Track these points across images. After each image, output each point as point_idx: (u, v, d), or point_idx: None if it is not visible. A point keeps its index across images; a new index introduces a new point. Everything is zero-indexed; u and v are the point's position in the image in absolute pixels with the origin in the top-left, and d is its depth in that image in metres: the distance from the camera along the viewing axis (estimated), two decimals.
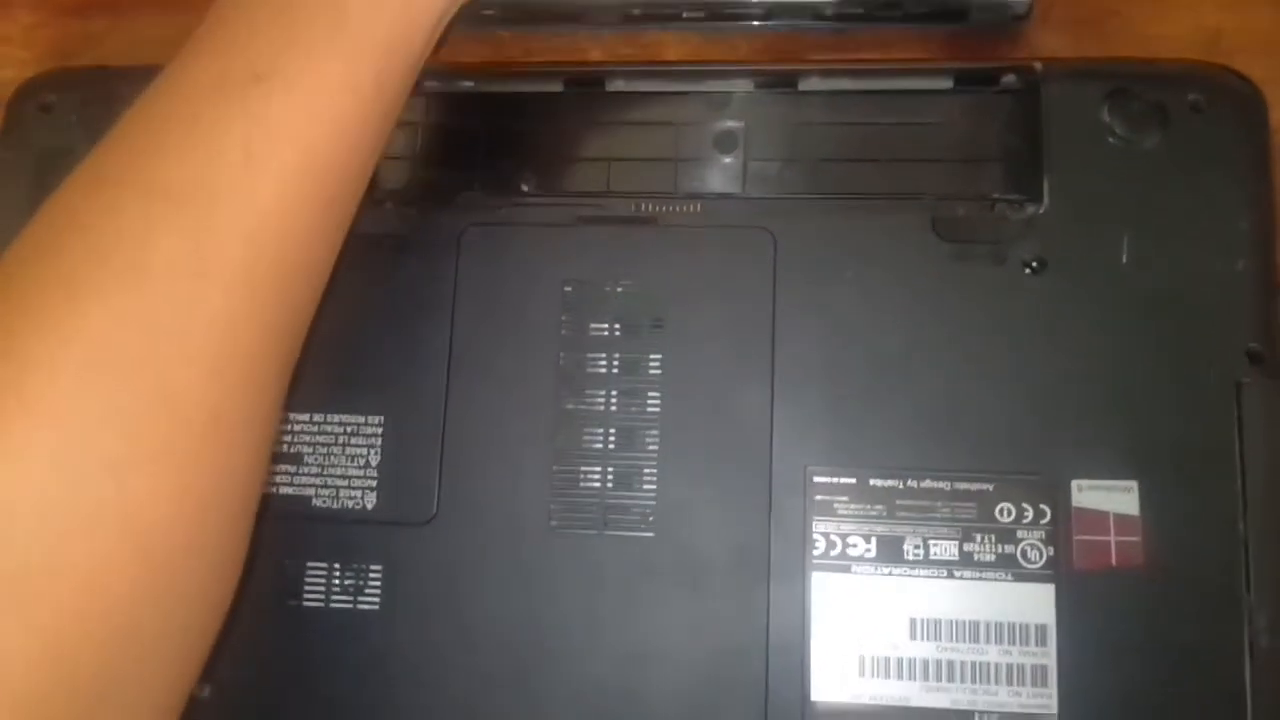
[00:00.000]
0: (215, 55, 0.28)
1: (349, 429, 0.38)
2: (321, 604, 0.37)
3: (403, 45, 0.29)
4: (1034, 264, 0.36)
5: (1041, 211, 0.37)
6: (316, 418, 0.38)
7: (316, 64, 0.27)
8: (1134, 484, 0.34)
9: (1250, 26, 0.41)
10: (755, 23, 0.43)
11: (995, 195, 0.38)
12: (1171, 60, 0.39)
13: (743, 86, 0.41)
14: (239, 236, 0.27)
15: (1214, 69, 0.38)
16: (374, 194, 0.40)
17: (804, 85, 0.40)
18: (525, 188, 0.41)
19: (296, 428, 0.38)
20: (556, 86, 0.42)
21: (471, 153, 0.42)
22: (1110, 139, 0.37)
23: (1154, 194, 0.36)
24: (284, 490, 0.38)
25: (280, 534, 0.37)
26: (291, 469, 0.38)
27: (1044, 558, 0.34)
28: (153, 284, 0.25)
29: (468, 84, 0.42)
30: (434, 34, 0.31)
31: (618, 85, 0.41)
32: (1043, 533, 0.34)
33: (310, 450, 0.38)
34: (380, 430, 0.38)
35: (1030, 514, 0.35)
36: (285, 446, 0.38)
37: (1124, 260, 0.36)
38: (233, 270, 0.26)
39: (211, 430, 0.26)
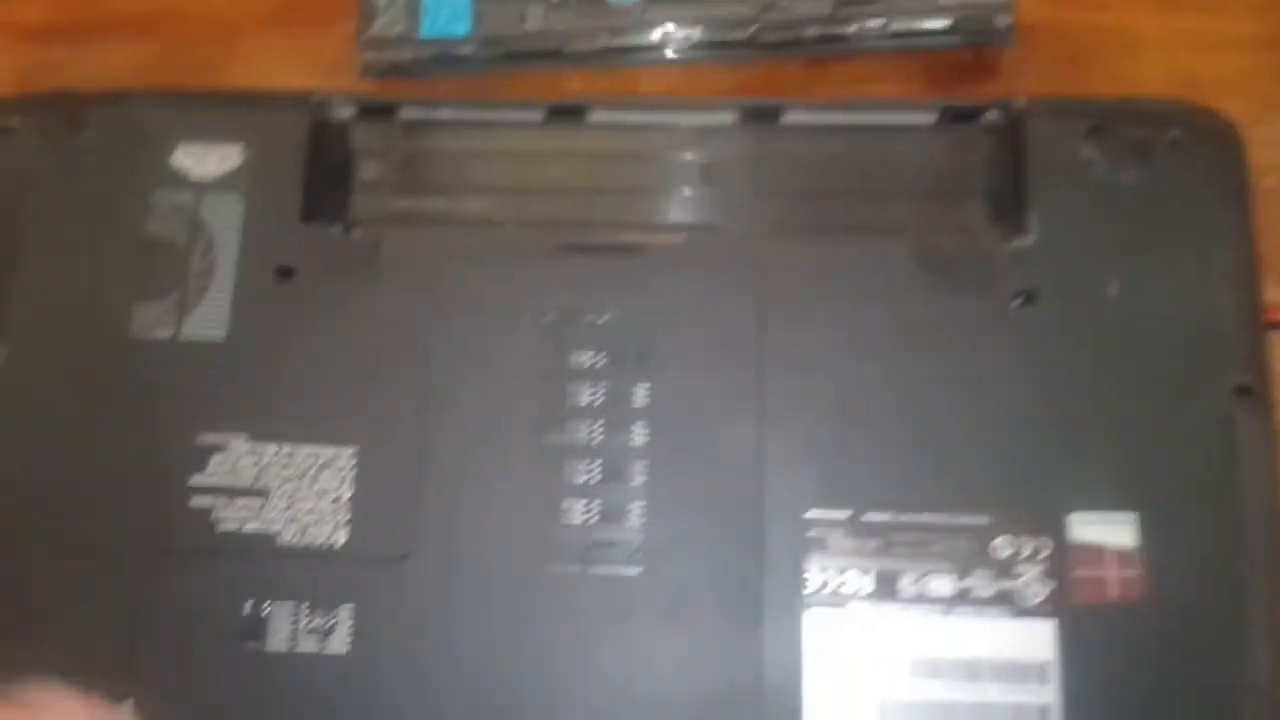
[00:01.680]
0: None
1: (320, 461, 0.36)
2: (286, 648, 0.34)
3: None
4: (1022, 297, 0.36)
5: (1029, 245, 0.37)
6: (285, 449, 0.36)
7: None
8: (1132, 516, 0.34)
9: (1224, 69, 0.42)
10: (738, 51, 0.43)
11: (980, 229, 0.38)
12: (1151, 98, 0.40)
13: (725, 119, 0.40)
14: None
15: (1193, 108, 0.39)
16: (345, 220, 0.39)
17: (787, 118, 0.40)
18: (504, 218, 0.40)
19: (264, 460, 0.36)
20: (537, 117, 0.41)
21: (449, 181, 0.41)
22: (1093, 174, 0.37)
23: (1138, 228, 0.37)
24: (248, 527, 0.35)
25: (242, 573, 0.35)
26: (256, 503, 0.36)
27: (1043, 593, 0.33)
28: None
29: (446, 112, 0.41)
30: None
31: (599, 117, 0.41)
32: (1041, 567, 0.34)
33: (278, 484, 0.36)
34: (354, 462, 0.36)
35: (1028, 548, 0.34)
36: (251, 480, 0.36)
37: (1112, 293, 0.36)
38: None
39: None
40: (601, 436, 0.36)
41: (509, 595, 0.34)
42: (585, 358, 0.36)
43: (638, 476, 0.35)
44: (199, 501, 0.36)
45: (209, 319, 0.37)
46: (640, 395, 0.36)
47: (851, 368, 0.36)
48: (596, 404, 0.36)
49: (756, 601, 0.34)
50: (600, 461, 0.35)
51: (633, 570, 0.34)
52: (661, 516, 0.35)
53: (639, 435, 0.36)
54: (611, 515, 0.35)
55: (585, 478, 0.35)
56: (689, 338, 0.36)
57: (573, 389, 0.36)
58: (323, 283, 0.38)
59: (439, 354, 0.37)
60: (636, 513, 0.35)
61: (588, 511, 0.35)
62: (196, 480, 0.36)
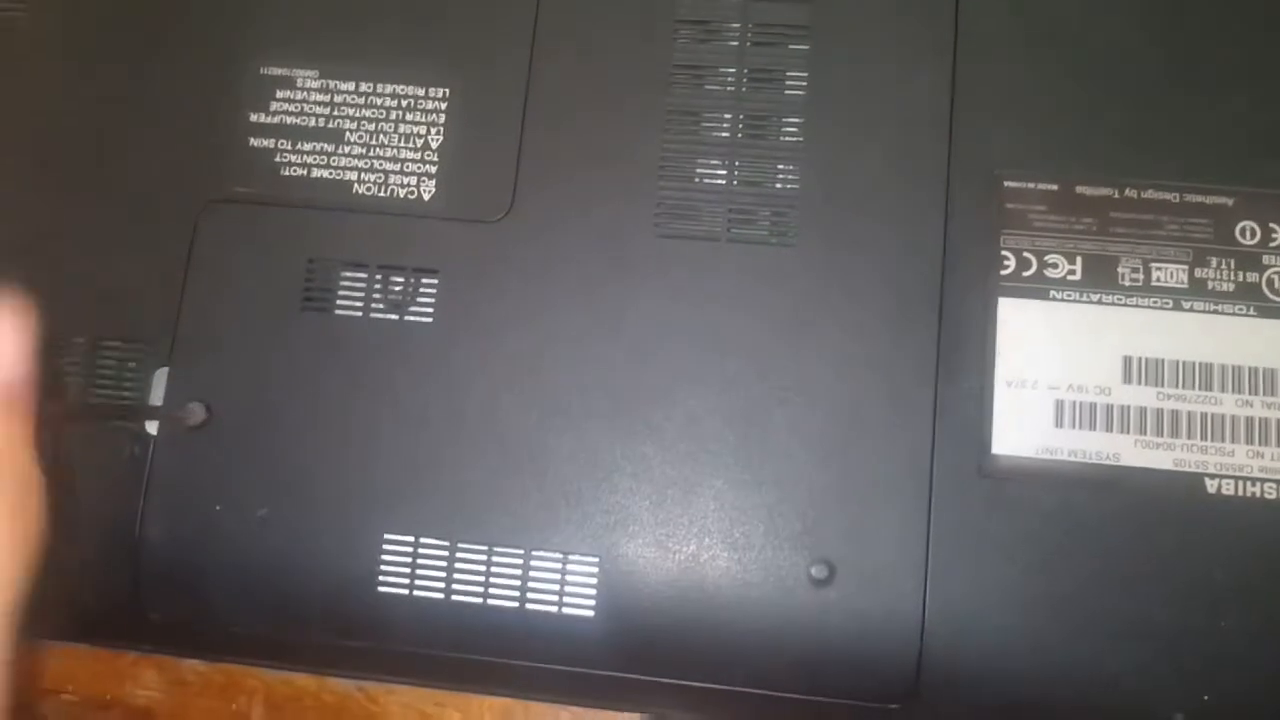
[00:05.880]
0: None
1: (405, 102, 0.30)
2: (358, 314, 0.29)
3: None
4: None
5: None
6: (364, 86, 0.30)
7: None
8: None
9: None
10: None
11: None
12: None
13: None
14: None
15: None
16: None
17: None
18: None
19: (337, 98, 0.30)
20: None
21: None
22: None
23: None
24: (317, 173, 0.29)
25: (308, 226, 0.29)
26: (329, 148, 0.30)
27: None
28: None
29: None
30: None
31: None
32: None
33: (354, 126, 0.30)
34: (444, 105, 0.30)
35: None
36: (323, 120, 0.30)
37: None
38: None
39: None
40: (747, 85, 0.29)
41: (622, 266, 0.28)
42: None
43: (790, 131, 0.29)
44: (260, 142, 0.30)
45: None
46: (797, 29, 0.29)
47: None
48: (748, 43, 0.29)
49: (936, 285, 0.27)
50: (745, 116, 0.29)
51: (782, 244, 0.28)
52: (820, 179, 0.28)
53: (795, 81, 0.29)
54: (756, 177, 0.29)
55: (728, 131, 0.29)
56: None
57: (717, 19, 0.29)
58: None
59: None
60: (787, 175, 0.28)
61: (729, 171, 0.29)
62: (258, 118, 0.30)
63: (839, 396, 0.27)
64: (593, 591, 0.27)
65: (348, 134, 0.30)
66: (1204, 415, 0.26)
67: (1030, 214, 0.27)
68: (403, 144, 0.29)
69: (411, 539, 0.27)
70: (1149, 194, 0.27)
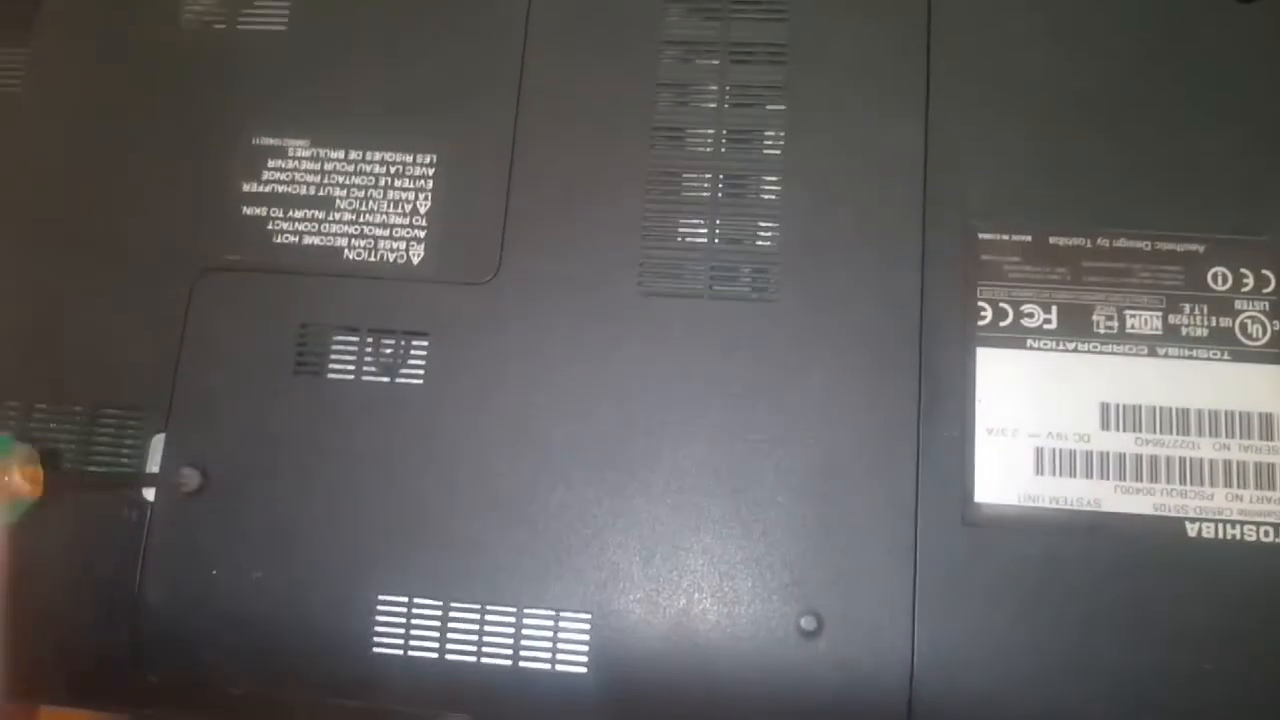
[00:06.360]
0: None
1: (393, 169, 0.30)
2: (350, 377, 0.29)
3: None
4: None
5: None
6: (353, 154, 0.31)
7: None
8: None
9: None
10: None
11: None
12: None
13: None
14: None
15: None
16: None
17: None
18: None
19: (328, 166, 0.31)
20: None
21: None
22: None
23: None
24: (309, 240, 0.30)
25: (300, 291, 0.30)
26: (319, 215, 0.30)
27: (1268, 333, 0.27)
28: None
29: None
30: None
31: None
32: (1267, 303, 0.27)
33: (344, 194, 0.30)
34: (432, 171, 0.30)
35: (1251, 280, 0.28)
36: (314, 189, 0.30)
37: None
38: None
39: None
40: (726, 145, 0.30)
41: (608, 324, 0.29)
42: (711, 37, 0.30)
43: (769, 188, 0.29)
44: (253, 211, 0.31)
45: (268, 6, 0.32)
46: (775, 85, 0.30)
47: (1042, 53, 0.29)
48: (725, 105, 0.30)
49: (914, 335, 0.28)
50: (724, 177, 0.30)
51: (763, 299, 0.29)
52: (798, 233, 0.29)
53: (772, 138, 0.30)
54: (736, 241, 0.29)
55: (709, 190, 0.30)
56: (841, 14, 0.30)
57: (695, 82, 0.30)
58: None
59: (537, 43, 0.31)
60: (767, 232, 0.29)
61: (710, 231, 0.29)
62: (250, 188, 0.31)
63: (823, 448, 0.28)
64: (585, 648, 0.27)
65: (338, 201, 0.30)
66: (1182, 460, 0.27)
67: (1005, 265, 0.28)
68: (392, 210, 0.30)
69: (405, 599, 0.28)
70: (1121, 243, 0.28)
